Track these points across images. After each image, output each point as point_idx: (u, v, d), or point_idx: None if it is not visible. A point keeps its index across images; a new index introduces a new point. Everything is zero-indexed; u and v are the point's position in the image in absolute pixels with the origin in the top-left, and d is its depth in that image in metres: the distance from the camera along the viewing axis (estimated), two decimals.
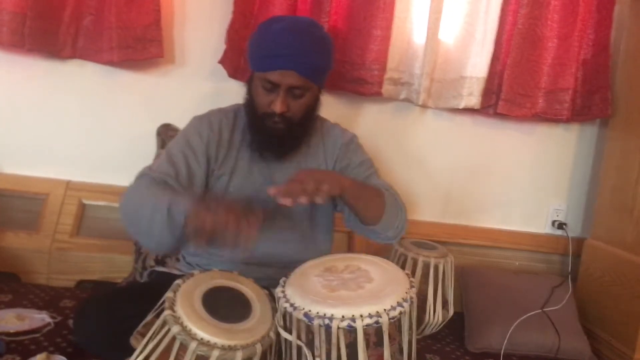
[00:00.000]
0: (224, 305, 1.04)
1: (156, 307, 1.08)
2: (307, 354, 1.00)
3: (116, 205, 1.79)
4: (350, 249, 1.97)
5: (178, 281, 1.07)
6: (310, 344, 1.00)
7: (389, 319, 0.99)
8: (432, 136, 2.08)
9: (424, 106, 2.00)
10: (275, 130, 1.30)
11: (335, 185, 1.16)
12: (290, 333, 1.02)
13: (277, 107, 1.26)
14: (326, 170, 1.40)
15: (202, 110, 1.44)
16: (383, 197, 1.32)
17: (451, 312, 1.71)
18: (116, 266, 1.80)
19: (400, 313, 1.01)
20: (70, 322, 1.48)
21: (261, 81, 1.28)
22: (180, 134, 1.39)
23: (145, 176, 1.28)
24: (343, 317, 0.97)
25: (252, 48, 1.33)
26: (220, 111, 1.43)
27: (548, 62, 1.97)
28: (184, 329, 0.95)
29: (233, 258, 1.35)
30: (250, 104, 1.35)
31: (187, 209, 1.08)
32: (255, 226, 1.03)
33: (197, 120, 1.39)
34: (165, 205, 1.11)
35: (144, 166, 1.33)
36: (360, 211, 1.27)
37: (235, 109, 1.44)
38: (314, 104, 1.37)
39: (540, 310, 1.82)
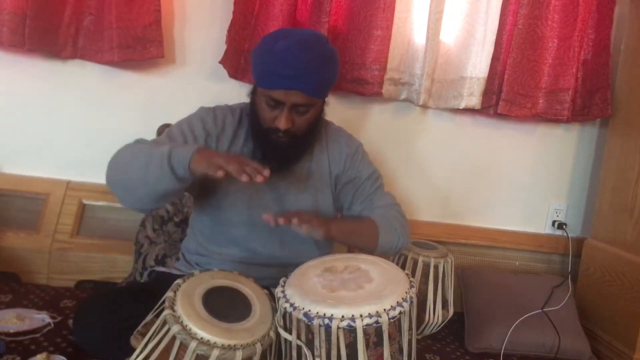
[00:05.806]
0: (224, 305, 1.04)
1: (156, 307, 1.08)
2: (307, 354, 1.00)
3: (116, 205, 1.81)
4: (350, 249, 1.97)
5: (178, 281, 1.07)
6: (310, 344, 1.00)
7: (389, 318, 0.99)
8: (432, 136, 2.08)
9: (425, 106, 2.00)
10: (279, 143, 1.29)
11: (320, 231, 1.21)
12: (290, 333, 1.03)
13: (282, 124, 1.25)
14: (322, 218, 1.33)
15: None
16: (376, 229, 1.33)
17: (451, 312, 1.72)
18: (116, 266, 1.80)
19: (400, 313, 1.01)
20: (70, 322, 1.48)
21: (265, 97, 1.26)
22: (183, 119, 1.38)
23: (141, 141, 1.30)
24: (343, 317, 0.98)
25: (256, 63, 1.29)
26: (228, 107, 1.42)
27: (548, 62, 1.97)
28: (184, 328, 0.96)
29: (233, 257, 1.35)
30: (254, 115, 1.33)
31: (190, 155, 1.10)
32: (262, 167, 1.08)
33: (203, 110, 1.39)
34: (166, 152, 1.12)
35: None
36: (353, 248, 1.26)
37: (242, 108, 1.42)
38: (319, 116, 1.36)
39: (540, 310, 1.82)
